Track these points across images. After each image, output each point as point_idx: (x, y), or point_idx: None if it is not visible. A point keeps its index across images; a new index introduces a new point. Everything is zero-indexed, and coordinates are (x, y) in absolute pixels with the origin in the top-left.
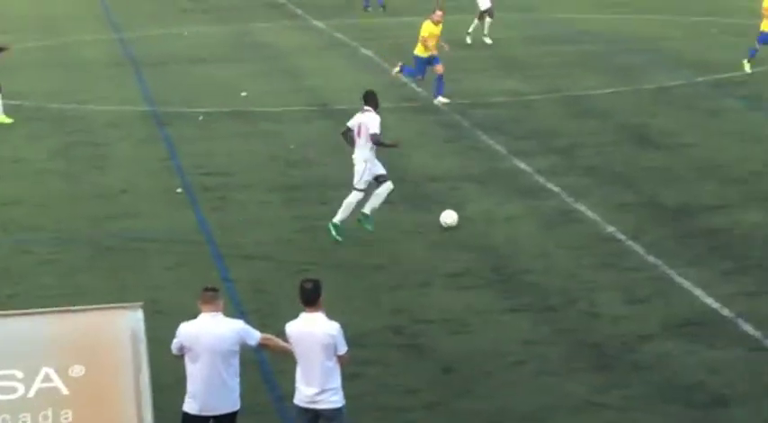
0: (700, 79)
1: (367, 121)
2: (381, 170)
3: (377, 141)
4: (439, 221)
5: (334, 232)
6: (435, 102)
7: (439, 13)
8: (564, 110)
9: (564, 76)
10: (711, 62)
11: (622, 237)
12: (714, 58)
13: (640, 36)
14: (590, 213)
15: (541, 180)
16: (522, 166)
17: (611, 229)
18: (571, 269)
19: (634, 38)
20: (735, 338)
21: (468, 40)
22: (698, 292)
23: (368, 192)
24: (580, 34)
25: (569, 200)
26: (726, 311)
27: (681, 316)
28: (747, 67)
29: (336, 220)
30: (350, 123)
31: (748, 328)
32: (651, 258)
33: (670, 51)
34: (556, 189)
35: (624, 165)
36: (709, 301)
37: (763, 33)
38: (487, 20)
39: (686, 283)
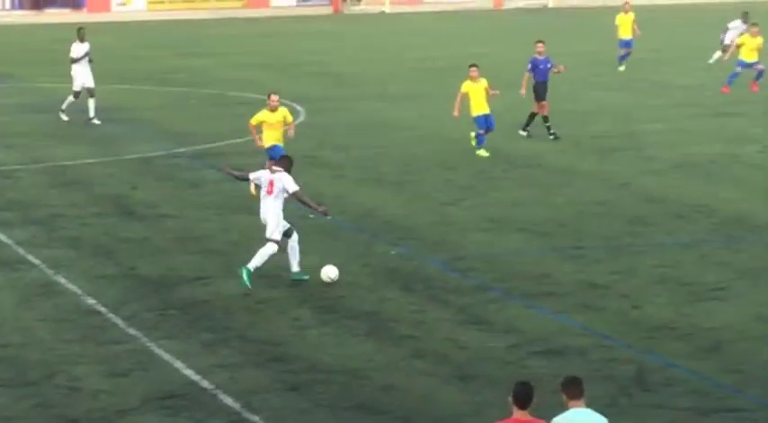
0: (180, 150)
1: (282, 179)
2: (287, 224)
3: (300, 198)
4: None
5: (245, 277)
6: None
7: (274, 97)
8: (46, 180)
9: (45, 146)
10: (191, 133)
11: (103, 309)
12: (193, 129)
13: (120, 106)
14: (71, 285)
15: (21, 251)
16: (2, 237)
17: (92, 301)
18: (50, 342)
19: (114, 108)
20: (215, 410)
21: (64, 117)
22: (178, 364)
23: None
24: (59, 103)
25: (50, 272)
26: (206, 383)
27: (162, 389)
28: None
29: (251, 266)
30: (254, 176)
31: (228, 399)
32: (132, 331)
33: (150, 122)
34: (36, 261)
35: (106, 236)
36: (190, 372)
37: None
38: (90, 100)
39: (166, 356)
